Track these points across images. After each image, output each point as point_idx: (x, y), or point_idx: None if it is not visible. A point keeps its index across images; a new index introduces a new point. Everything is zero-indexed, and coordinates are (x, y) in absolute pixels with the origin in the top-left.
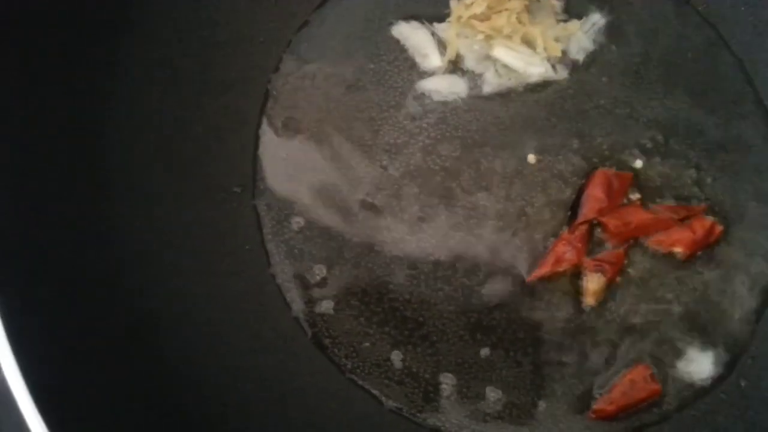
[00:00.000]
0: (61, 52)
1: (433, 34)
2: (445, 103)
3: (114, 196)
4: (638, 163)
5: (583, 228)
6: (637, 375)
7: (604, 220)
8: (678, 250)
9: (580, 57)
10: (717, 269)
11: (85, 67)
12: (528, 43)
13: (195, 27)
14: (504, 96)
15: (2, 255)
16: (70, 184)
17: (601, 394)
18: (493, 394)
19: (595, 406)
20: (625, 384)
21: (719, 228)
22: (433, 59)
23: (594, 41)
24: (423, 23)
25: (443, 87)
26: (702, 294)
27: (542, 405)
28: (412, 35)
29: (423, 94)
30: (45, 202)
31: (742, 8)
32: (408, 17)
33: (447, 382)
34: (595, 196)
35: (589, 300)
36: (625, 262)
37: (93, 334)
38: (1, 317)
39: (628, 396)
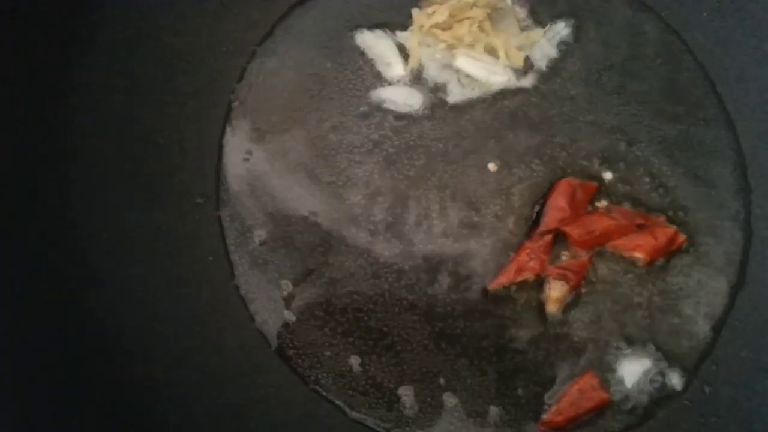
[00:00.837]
0: (19, 60)
1: (396, 43)
2: (409, 114)
3: (76, 206)
4: (605, 173)
5: (547, 237)
6: (584, 384)
7: (567, 229)
8: (639, 255)
9: (543, 65)
10: (678, 276)
11: (46, 76)
12: (490, 52)
13: (157, 35)
14: (467, 105)
15: None
16: (31, 196)
17: (550, 405)
18: (451, 400)
19: (544, 417)
20: (573, 393)
21: (682, 237)
22: (396, 68)
23: (558, 49)
24: (386, 32)
25: (399, 98)
26: (663, 301)
27: (500, 413)
28: (376, 44)
29: (384, 103)
30: (6, 213)
31: (705, 14)
32: (372, 26)
33: (409, 393)
34: (557, 206)
35: (551, 308)
36: (588, 270)
37: (51, 341)
38: None
39: (577, 406)
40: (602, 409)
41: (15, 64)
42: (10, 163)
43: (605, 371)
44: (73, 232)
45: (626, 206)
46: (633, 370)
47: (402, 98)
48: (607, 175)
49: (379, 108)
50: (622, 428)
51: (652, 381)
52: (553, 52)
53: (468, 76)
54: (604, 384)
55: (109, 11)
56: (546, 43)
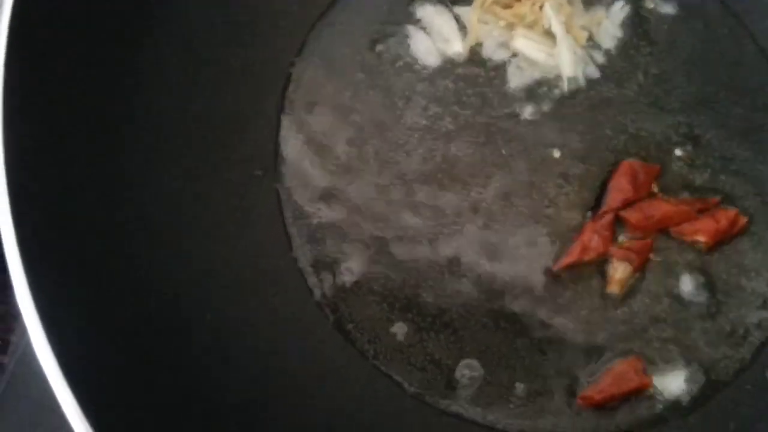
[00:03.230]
0: (83, 37)
1: (456, 18)
2: (468, 92)
3: (136, 182)
4: (667, 157)
5: (609, 217)
6: (628, 366)
7: (626, 214)
8: (701, 239)
9: (610, 45)
10: (738, 258)
11: (109, 50)
12: (551, 32)
13: (216, 9)
14: (526, 88)
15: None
16: (96, 179)
17: (589, 382)
18: (517, 384)
19: (584, 393)
20: (615, 373)
21: (743, 219)
22: (454, 44)
23: (622, 29)
24: (447, 6)
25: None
26: (724, 285)
27: (561, 395)
28: (436, 18)
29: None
30: (72, 194)
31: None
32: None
33: (468, 370)
34: (620, 186)
35: (614, 288)
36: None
37: (119, 314)
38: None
39: (617, 386)
40: (640, 394)
41: (81, 42)
42: (72, 148)
43: (651, 357)
44: (133, 210)
45: (685, 193)
46: (687, 354)
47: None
48: (670, 158)
49: (437, 85)
50: (681, 414)
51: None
52: (618, 33)
53: (527, 59)
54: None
55: None
56: (610, 23)
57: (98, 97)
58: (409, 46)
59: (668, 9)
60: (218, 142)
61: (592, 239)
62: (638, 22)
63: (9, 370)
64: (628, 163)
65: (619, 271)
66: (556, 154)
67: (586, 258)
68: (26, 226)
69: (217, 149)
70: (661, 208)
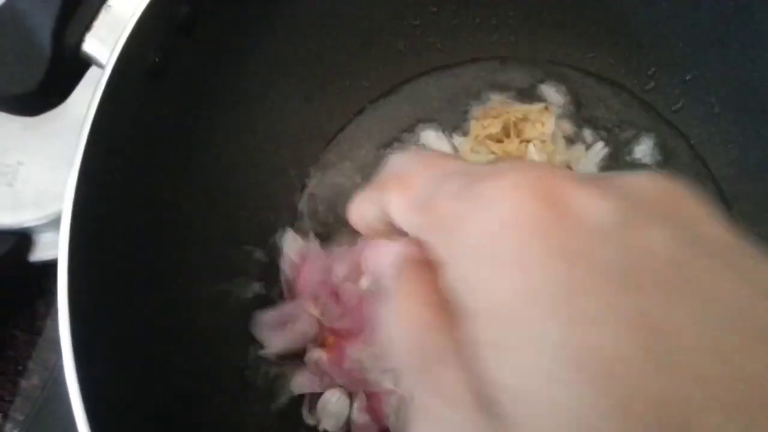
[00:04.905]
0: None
1: (453, 147)
2: None
3: None
4: None
5: None
6: None
7: None
8: None
9: None
10: None
11: None
12: None
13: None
14: None
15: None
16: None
17: None
18: None
19: None
20: None
21: None
22: None
23: (598, 168)
24: (446, 134)
25: None
26: None
27: None
28: (436, 144)
29: None
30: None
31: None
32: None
33: None
34: None
35: None
36: None
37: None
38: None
39: None
40: None
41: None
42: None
43: None
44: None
45: None
46: None
47: None
48: None
49: None
50: None
51: None
52: (594, 171)
53: None
54: None
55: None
56: (588, 161)
57: None
58: None
59: (639, 148)
60: None
61: None
62: (613, 160)
63: None
64: None
65: None
66: None
67: None
68: None
69: None
70: None
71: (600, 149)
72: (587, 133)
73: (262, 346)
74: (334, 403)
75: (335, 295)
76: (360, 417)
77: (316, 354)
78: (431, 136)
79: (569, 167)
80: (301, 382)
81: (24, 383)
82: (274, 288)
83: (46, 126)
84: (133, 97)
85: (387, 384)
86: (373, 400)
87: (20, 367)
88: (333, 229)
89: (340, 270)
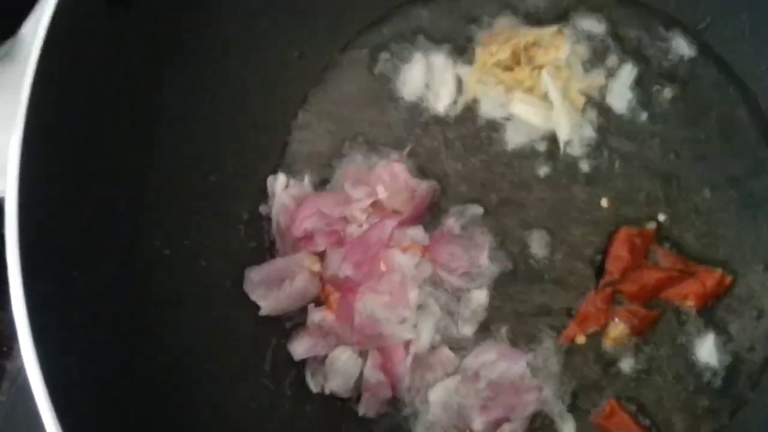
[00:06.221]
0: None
1: (456, 76)
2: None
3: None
4: (656, 218)
5: (609, 290)
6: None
7: (623, 288)
8: (690, 304)
9: (622, 108)
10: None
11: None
12: (548, 96)
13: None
14: (521, 151)
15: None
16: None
17: None
18: None
19: None
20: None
21: (728, 278)
22: (444, 100)
23: (631, 92)
24: (452, 60)
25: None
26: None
27: None
28: (436, 73)
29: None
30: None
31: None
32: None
33: None
34: (619, 255)
35: (608, 342)
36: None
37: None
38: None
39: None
40: None
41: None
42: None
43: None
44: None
45: (673, 252)
46: None
47: None
48: (658, 220)
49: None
50: None
51: None
52: (628, 95)
53: (524, 122)
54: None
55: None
56: (620, 85)
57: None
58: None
59: (664, 72)
60: None
61: (592, 313)
62: (638, 84)
63: None
64: (626, 232)
65: (617, 330)
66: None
67: (588, 331)
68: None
69: None
70: (652, 276)
71: (630, 70)
72: (611, 59)
73: (256, 307)
74: (344, 361)
75: (335, 237)
76: (373, 375)
77: (318, 315)
78: (438, 60)
79: (588, 96)
80: (302, 347)
81: (9, 365)
82: (262, 241)
83: None
84: (87, 29)
85: (405, 334)
86: (387, 357)
87: (5, 348)
88: (325, 172)
89: (339, 209)
